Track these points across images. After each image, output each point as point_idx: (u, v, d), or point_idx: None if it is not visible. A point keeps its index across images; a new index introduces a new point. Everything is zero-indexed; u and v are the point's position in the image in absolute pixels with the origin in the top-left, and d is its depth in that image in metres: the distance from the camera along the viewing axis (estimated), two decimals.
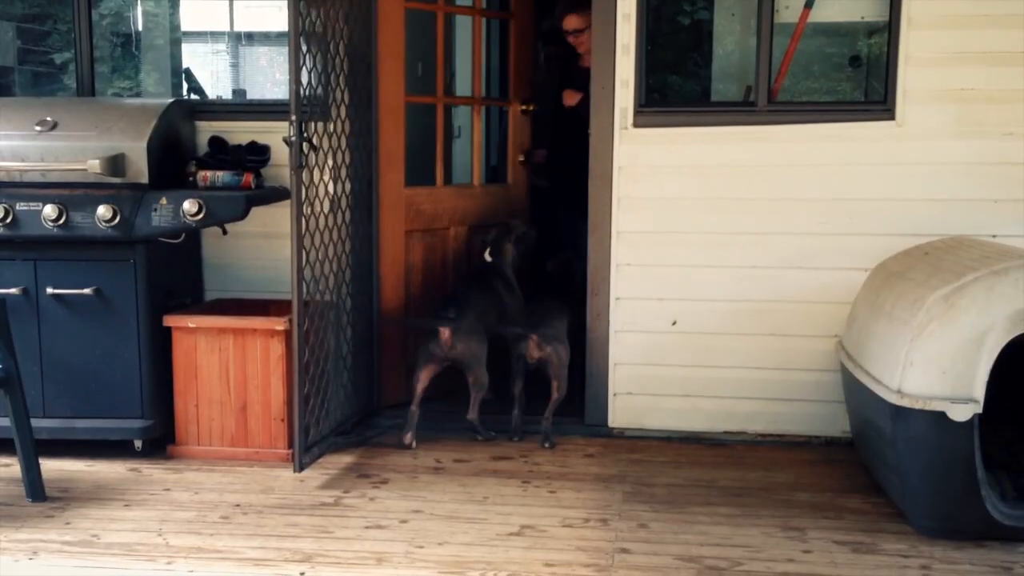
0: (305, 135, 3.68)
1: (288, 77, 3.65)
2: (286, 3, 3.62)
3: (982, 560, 3.13)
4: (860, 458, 3.91)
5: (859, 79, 5.10)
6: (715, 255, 4.26)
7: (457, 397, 4.35)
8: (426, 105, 4.79)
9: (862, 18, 4.59)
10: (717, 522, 3.43)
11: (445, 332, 4.09)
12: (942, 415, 3.10)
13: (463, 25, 4.76)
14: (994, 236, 3.99)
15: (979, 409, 3.10)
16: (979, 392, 3.10)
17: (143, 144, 4.03)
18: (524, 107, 5.11)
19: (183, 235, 4.13)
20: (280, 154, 4.15)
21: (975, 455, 3.13)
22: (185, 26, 7.16)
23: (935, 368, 3.14)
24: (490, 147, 4.99)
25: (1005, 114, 4.02)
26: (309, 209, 3.79)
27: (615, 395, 4.39)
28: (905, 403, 3.16)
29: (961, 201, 4.07)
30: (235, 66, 7.62)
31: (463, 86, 5.47)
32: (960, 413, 3.09)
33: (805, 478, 3.87)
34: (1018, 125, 4.01)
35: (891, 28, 4.08)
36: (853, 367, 3.62)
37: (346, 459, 4.07)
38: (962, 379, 3.11)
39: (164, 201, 3.98)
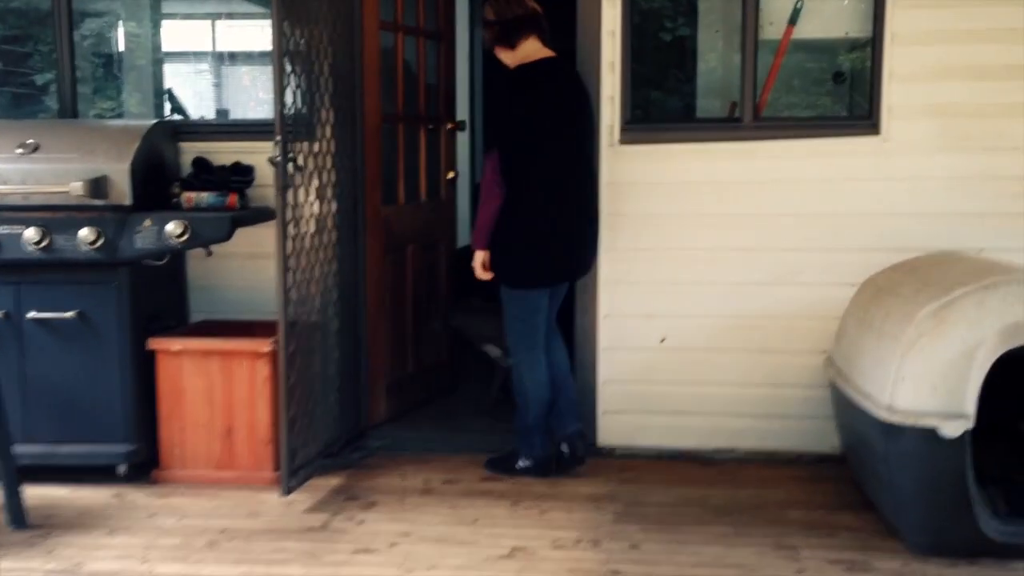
0: (290, 155, 3.66)
1: (272, 97, 3.63)
2: (269, 23, 3.60)
3: None
4: (851, 474, 3.89)
5: (843, 94, 5.11)
6: (703, 271, 4.25)
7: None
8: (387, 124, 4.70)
9: (846, 34, 4.60)
10: (709, 541, 3.40)
11: None
12: (933, 431, 3.08)
13: (407, 46, 4.75)
14: (981, 250, 3.99)
15: (970, 425, 3.08)
16: (970, 408, 3.08)
17: (126, 166, 4.00)
18: (452, 125, 5.14)
19: (167, 257, 4.10)
20: (265, 174, 4.14)
21: (967, 471, 3.12)
22: (167, 46, 7.13)
23: (926, 384, 3.13)
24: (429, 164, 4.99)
25: (989, 128, 4.04)
26: (295, 229, 3.76)
27: (604, 413, 4.36)
28: (896, 419, 3.14)
29: (948, 215, 4.08)
30: (218, 86, 7.61)
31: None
32: (952, 429, 3.08)
33: (796, 495, 3.86)
34: (1002, 139, 4.03)
35: (875, 44, 4.10)
36: (843, 383, 3.61)
37: (333, 481, 4.02)
38: (953, 395, 3.09)
39: (148, 223, 3.94)
